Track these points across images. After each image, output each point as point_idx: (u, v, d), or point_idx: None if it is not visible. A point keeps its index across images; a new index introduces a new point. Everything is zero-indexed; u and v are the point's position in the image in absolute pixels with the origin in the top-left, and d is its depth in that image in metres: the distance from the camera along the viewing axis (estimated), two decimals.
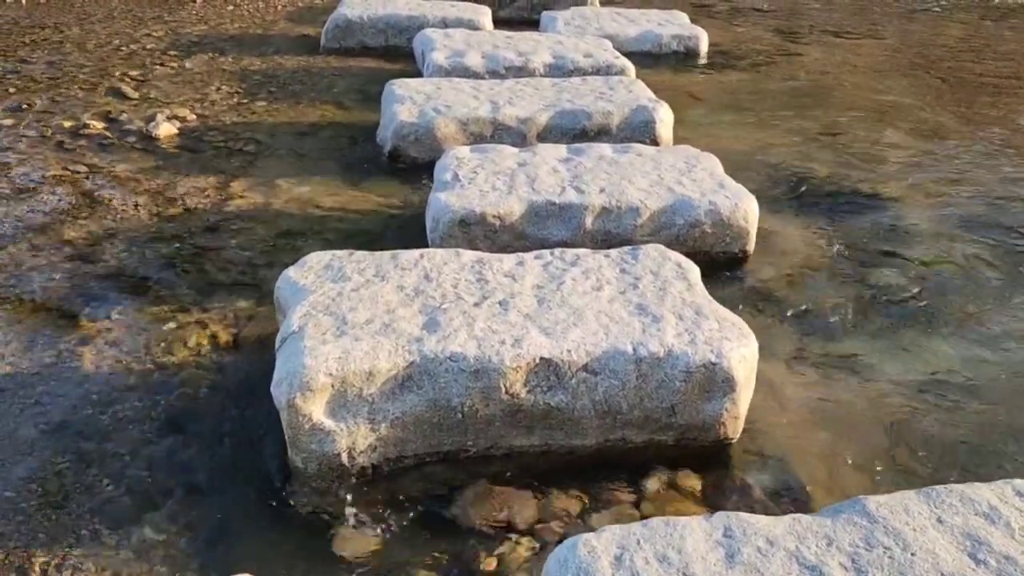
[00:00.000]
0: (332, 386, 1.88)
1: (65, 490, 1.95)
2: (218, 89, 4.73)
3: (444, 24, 5.59)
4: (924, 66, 5.87)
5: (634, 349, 1.99)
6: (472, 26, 5.62)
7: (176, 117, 4.24)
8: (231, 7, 6.73)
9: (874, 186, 3.80)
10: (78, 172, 3.63)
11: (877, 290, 2.95)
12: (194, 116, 4.29)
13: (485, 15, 5.82)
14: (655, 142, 3.79)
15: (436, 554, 1.81)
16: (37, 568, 1.74)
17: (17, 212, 3.25)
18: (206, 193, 3.47)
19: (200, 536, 1.84)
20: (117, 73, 4.92)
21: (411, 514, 1.92)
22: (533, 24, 6.15)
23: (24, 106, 4.34)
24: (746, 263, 3.03)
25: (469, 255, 2.37)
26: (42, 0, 6.66)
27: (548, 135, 3.76)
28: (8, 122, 4.12)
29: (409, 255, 2.35)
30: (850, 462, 2.13)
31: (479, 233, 2.84)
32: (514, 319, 2.06)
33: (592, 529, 1.67)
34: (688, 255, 2.52)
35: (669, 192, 2.97)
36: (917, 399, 2.39)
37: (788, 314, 2.77)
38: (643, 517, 1.87)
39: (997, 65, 5.94)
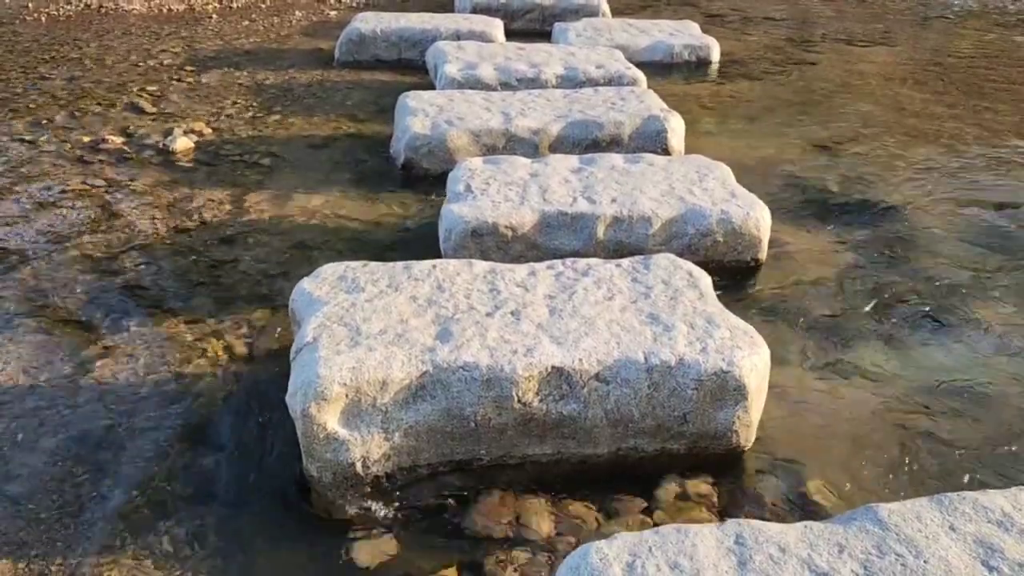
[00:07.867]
0: (346, 396, 1.90)
1: (83, 499, 1.98)
2: (234, 103, 4.79)
3: (457, 37, 5.63)
4: (938, 74, 5.85)
5: (646, 358, 2.00)
6: (484, 38, 5.66)
7: (193, 131, 4.29)
8: (246, 22, 6.81)
9: (887, 194, 3.80)
10: (97, 186, 3.68)
11: (889, 298, 2.95)
12: (210, 130, 4.35)
13: (497, 27, 5.86)
14: (667, 152, 3.80)
15: (450, 563, 1.83)
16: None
17: (37, 225, 3.30)
18: (222, 206, 3.52)
19: (216, 545, 1.86)
20: (135, 88, 4.98)
21: (425, 523, 1.94)
22: (545, 36, 6.18)
23: (44, 121, 4.40)
24: (758, 272, 3.03)
25: (481, 265, 2.39)
26: (61, 18, 6.77)
27: (560, 146, 3.77)
28: (28, 137, 4.19)
29: (422, 266, 2.37)
30: (862, 469, 2.13)
31: (491, 244, 2.86)
32: (526, 329, 2.08)
33: (604, 537, 1.67)
34: (700, 264, 2.53)
35: (680, 202, 2.98)
36: (929, 406, 2.38)
37: (800, 322, 2.77)
38: (656, 525, 1.87)
39: (1012, 72, 5.91)
